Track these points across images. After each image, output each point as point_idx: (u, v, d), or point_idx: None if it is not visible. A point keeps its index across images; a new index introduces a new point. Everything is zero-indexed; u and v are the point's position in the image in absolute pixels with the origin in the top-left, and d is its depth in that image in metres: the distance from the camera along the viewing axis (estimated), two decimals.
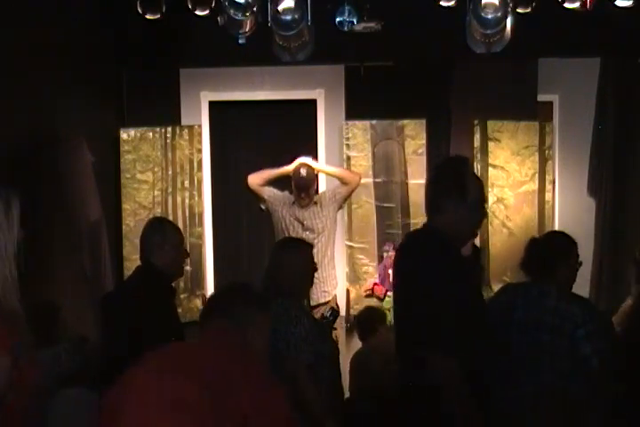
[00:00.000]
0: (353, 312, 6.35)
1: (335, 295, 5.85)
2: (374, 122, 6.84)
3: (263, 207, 5.90)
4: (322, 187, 6.54)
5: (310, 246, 4.06)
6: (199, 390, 1.97)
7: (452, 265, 2.80)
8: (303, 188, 5.79)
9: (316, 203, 5.81)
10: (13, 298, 2.06)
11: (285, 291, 3.75)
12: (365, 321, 5.25)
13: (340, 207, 6.04)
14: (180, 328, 3.76)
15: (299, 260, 3.86)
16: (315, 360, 3.58)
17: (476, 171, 6.78)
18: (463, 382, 2.65)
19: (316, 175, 6.01)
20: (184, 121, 7.00)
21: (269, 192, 5.94)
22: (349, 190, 5.98)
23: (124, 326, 3.47)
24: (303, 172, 5.83)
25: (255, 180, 6.01)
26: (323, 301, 5.65)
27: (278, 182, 6.08)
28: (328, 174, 6.22)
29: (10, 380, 2.02)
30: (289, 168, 5.93)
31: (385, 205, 6.85)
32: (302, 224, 5.75)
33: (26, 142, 4.71)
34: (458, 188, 2.89)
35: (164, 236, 3.70)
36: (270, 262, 3.97)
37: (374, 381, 4.67)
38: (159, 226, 3.83)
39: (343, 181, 6.02)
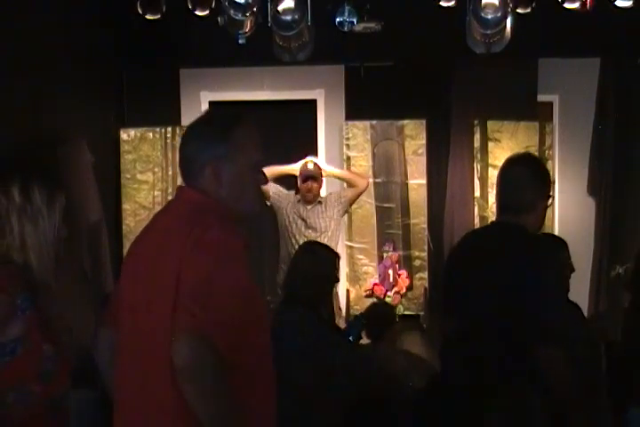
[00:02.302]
0: (353, 312, 6.35)
1: (337, 296, 5.84)
2: (374, 122, 6.83)
3: (268, 203, 5.89)
4: (326, 190, 6.51)
5: (333, 253, 3.96)
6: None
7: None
8: (309, 180, 5.77)
9: (320, 202, 5.81)
10: (49, 274, 2.24)
11: (301, 300, 3.67)
12: (379, 319, 5.11)
13: (346, 211, 6.02)
14: None
15: (315, 265, 3.77)
16: (315, 373, 3.54)
17: (475, 171, 6.82)
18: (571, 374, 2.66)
19: (322, 176, 5.99)
20: (184, 121, 6.98)
21: (275, 189, 5.93)
22: (356, 193, 5.95)
23: None
24: (310, 165, 5.85)
25: None
26: None
27: (284, 182, 6.07)
28: (336, 177, 6.20)
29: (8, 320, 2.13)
30: (295, 166, 5.91)
31: (385, 205, 6.85)
32: (305, 222, 5.75)
33: (26, 142, 4.70)
34: (545, 186, 2.87)
35: None
36: (289, 268, 3.91)
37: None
38: None
39: (351, 184, 6.01)
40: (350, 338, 4.00)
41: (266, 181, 2.19)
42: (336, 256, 3.98)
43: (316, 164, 5.91)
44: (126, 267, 2.19)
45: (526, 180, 2.89)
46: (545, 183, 2.90)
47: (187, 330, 1.88)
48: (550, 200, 2.97)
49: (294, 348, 3.51)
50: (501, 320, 2.73)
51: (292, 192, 5.94)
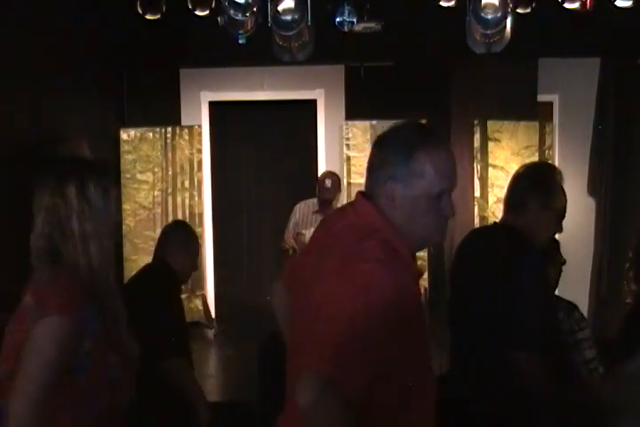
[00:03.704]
0: None
1: None
2: (374, 122, 6.83)
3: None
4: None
5: None
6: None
7: (539, 264, 2.81)
8: (327, 200, 5.80)
9: None
10: (106, 271, 2.18)
11: None
12: None
13: None
14: (186, 329, 3.74)
15: None
16: None
17: (475, 171, 6.82)
18: (546, 377, 2.66)
19: (340, 186, 6.01)
20: (184, 121, 7.00)
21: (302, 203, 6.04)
22: None
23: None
24: (328, 183, 5.85)
25: None
26: None
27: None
28: None
29: (72, 346, 2.04)
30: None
31: None
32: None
33: (26, 142, 4.70)
34: (545, 193, 2.90)
35: (191, 242, 3.65)
36: None
37: None
38: (186, 230, 3.75)
39: None
40: None
41: (453, 213, 1.91)
42: None
43: (334, 179, 5.90)
44: (304, 256, 2.05)
45: (519, 180, 2.98)
46: (539, 187, 2.92)
47: (312, 372, 1.69)
48: (560, 226, 2.95)
49: None
50: (492, 322, 2.75)
51: (316, 199, 5.95)
